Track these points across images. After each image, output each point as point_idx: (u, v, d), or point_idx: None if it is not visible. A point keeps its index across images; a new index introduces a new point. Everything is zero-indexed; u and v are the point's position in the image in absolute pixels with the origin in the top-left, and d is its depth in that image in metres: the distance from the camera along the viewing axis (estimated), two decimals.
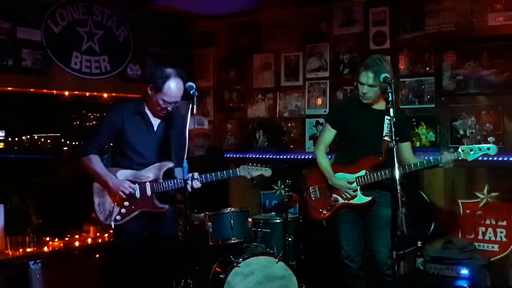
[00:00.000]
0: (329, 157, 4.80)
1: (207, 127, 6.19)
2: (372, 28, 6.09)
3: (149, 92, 4.22)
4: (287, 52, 6.73)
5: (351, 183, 4.53)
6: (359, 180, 4.51)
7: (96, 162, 4.28)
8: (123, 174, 4.29)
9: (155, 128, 4.34)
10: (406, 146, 4.56)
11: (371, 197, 4.50)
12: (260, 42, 6.94)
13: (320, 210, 4.71)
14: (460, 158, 4.27)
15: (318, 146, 4.80)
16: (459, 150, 4.27)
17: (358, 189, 4.53)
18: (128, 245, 4.32)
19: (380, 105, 4.58)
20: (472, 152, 4.24)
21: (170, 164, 4.28)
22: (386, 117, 4.41)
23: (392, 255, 4.21)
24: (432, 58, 5.74)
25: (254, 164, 4.41)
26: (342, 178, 4.59)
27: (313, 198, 4.78)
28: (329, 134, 4.74)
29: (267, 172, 4.43)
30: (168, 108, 4.23)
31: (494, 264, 5.34)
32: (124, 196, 4.21)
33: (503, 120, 5.36)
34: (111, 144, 4.42)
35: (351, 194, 4.54)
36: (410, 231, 4.77)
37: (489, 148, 4.24)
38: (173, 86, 4.13)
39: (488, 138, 4.36)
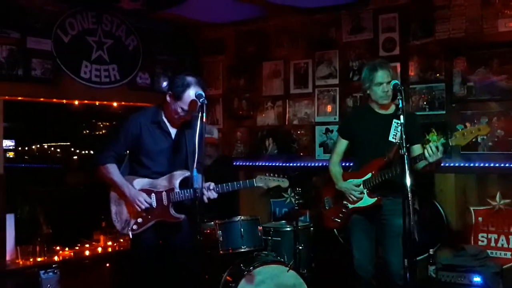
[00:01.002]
0: (343, 164, 4.84)
1: (216, 137, 6.18)
2: (382, 34, 6.07)
3: (168, 99, 4.20)
4: (296, 60, 6.72)
5: (357, 186, 4.56)
6: (365, 183, 4.55)
7: (113, 171, 4.27)
8: (140, 183, 4.29)
9: (172, 137, 4.32)
10: (417, 149, 4.57)
11: (376, 198, 4.51)
12: (269, 50, 6.94)
13: (333, 218, 4.77)
14: (453, 144, 4.21)
15: (331, 156, 4.89)
16: (453, 136, 4.20)
17: (365, 192, 4.55)
18: (142, 254, 4.32)
19: (390, 110, 4.64)
20: (464, 135, 4.14)
21: (187, 173, 4.25)
22: (394, 120, 4.47)
23: (403, 262, 4.16)
24: (442, 65, 5.71)
25: (271, 175, 4.38)
26: (348, 182, 4.63)
27: (327, 208, 4.85)
28: (341, 145, 4.82)
29: (284, 183, 4.39)
30: (186, 117, 4.21)
31: (507, 272, 5.28)
32: (139, 209, 4.22)
33: None
34: (128, 152, 4.42)
35: (357, 196, 4.57)
36: (422, 238, 4.74)
37: (480, 129, 4.16)
38: (193, 95, 4.07)
39: (481, 119, 4.25)
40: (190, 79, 4.13)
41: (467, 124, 4.08)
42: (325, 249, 5.87)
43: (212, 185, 4.20)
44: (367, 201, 4.55)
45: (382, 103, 4.56)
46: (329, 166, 4.83)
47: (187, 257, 4.33)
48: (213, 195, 4.18)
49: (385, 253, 4.59)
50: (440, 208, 5.66)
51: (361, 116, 4.76)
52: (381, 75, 4.47)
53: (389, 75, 4.48)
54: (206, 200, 4.13)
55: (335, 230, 5.81)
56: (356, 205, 4.59)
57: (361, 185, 4.56)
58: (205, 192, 4.10)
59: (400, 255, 4.25)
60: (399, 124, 4.25)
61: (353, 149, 4.79)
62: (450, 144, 4.19)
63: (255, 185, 4.33)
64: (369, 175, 4.53)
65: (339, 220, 4.72)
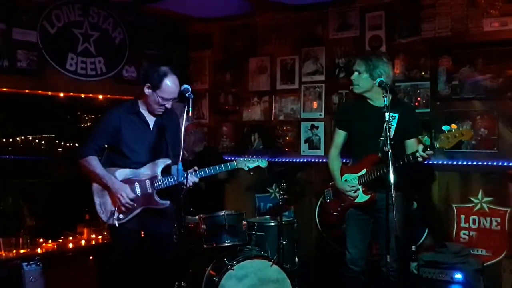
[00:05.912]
0: (344, 160, 4.81)
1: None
2: (368, 32, 6.10)
3: (147, 91, 4.24)
4: (283, 56, 6.73)
5: (353, 185, 4.56)
6: (360, 179, 4.54)
7: (95, 164, 4.28)
8: (122, 173, 4.32)
9: (151, 127, 4.39)
10: (411, 143, 4.50)
11: (370, 195, 4.51)
12: (256, 45, 6.94)
13: (331, 211, 4.78)
14: (438, 147, 4.13)
15: (330, 149, 4.84)
16: (438, 138, 4.15)
17: (360, 188, 4.55)
18: (125, 243, 4.36)
19: (382, 103, 4.59)
20: (448, 139, 4.08)
21: (168, 161, 4.35)
22: (387, 114, 4.42)
23: (385, 258, 4.20)
24: (427, 63, 5.74)
25: (250, 157, 4.54)
26: (344, 182, 4.62)
27: (327, 201, 4.87)
28: (339, 136, 4.75)
29: (263, 163, 4.54)
30: (167, 105, 4.27)
31: (487, 269, 5.33)
32: (121, 203, 4.23)
33: (498, 125, 5.36)
34: (108, 145, 4.44)
35: (353, 196, 4.57)
36: (404, 235, 4.77)
37: (463, 134, 4.08)
38: (170, 83, 4.19)
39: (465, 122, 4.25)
40: (165, 68, 4.24)
41: (453, 126, 4.05)
42: (308, 244, 5.90)
43: (194, 168, 4.31)
44: (362, 197, 4.55)
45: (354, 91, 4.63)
46: (328, 160, 4.80)
47: (169, 244, 4.44)
48: (193, 178, 4.26)
49: (381, 247, 4.61)
50: (422, 205, 5.70)
51: (357, 107, 4.68)
52: (356, 63, 4.60)
53: (361, 64, 4.50)
54: (190, 183, 4.21)
55: (318, 225, 5.83)
56: (354, 201, 4.59)
57: (356, 181, 4.55)
58: (189, 176, 4.18)
59: (395, 248, 4.32)
60: (393, 118, 4.31)
61: (350, 142, 4.74)
62: (436, 146, 4.14)
63: (236, 166, 4.49)
64: (363, 171, 4.51)
65: (337, 214, 4.72)
